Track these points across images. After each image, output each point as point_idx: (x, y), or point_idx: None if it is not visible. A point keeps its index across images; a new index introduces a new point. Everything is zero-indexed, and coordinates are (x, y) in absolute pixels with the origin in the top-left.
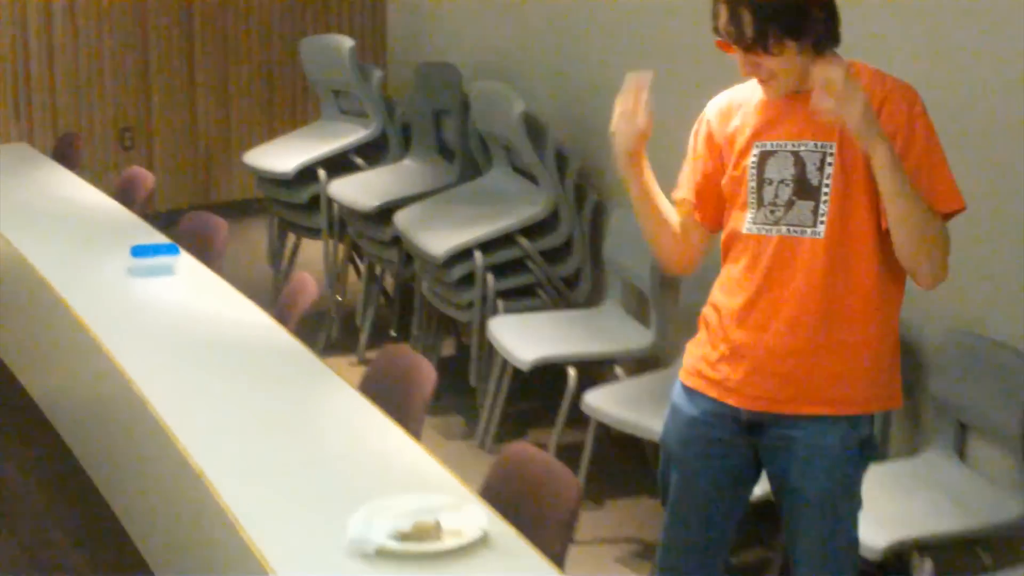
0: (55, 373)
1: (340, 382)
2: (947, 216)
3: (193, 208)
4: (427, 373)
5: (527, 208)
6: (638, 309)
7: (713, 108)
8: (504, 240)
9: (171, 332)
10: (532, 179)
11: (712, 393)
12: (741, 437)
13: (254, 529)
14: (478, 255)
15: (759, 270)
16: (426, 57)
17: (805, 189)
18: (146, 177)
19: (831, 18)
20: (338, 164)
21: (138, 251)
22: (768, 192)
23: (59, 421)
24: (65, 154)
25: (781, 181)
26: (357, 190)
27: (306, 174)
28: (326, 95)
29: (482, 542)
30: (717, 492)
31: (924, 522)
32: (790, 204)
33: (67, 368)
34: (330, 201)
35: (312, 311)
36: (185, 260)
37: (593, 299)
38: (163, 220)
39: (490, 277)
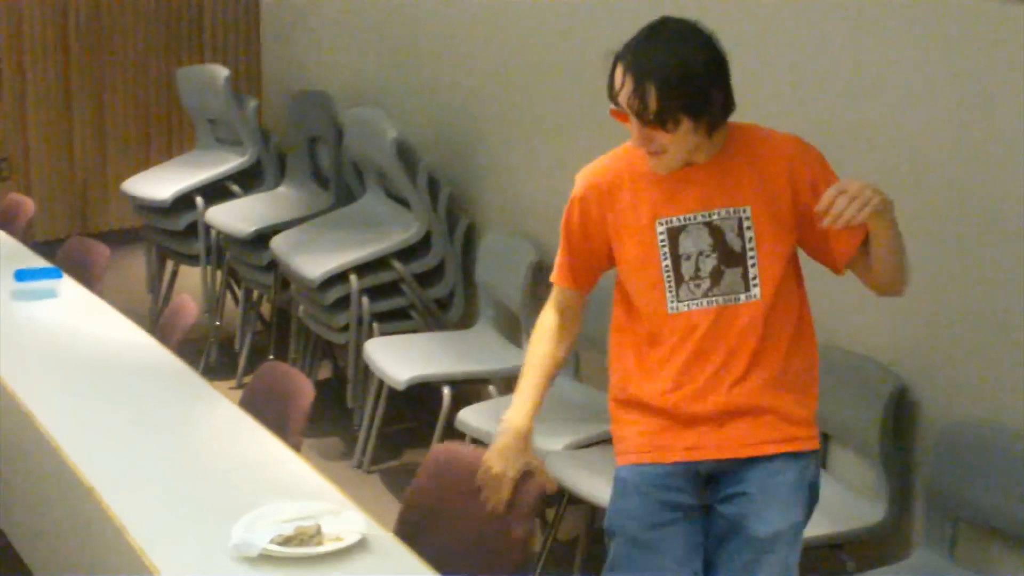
0: None
1: (221, 398)
2: None
3: (71, 237)
4: (304, 388)
5: (400, 232)
6: (510, 329)
7: (589, 187)
8: (378, 263)
9: (56, 352)
10: (405, 204)
11: (666, 457)
12: (698, 497)
13: (142, 537)
14: (353, 278)
15: (690, 344)
16: (300, 86)
17: (730, 257)
18: (25, 204)
19: (727, 99)
20: (215, 191)
21: (21, 275)
22: (687, 267)
23: None
24: None
25: (700, 253)
26: (234, 216)
27: (183, 201)
28: (202, 124)
29: (361, 546)
30: (684, 557)
31: None
32: (718, 273)
33: None
34: (207, 228)
35: (191, 337)
36: (67, 283)
37: (466, 320)
38: (42, 249)
39: (365, 300)
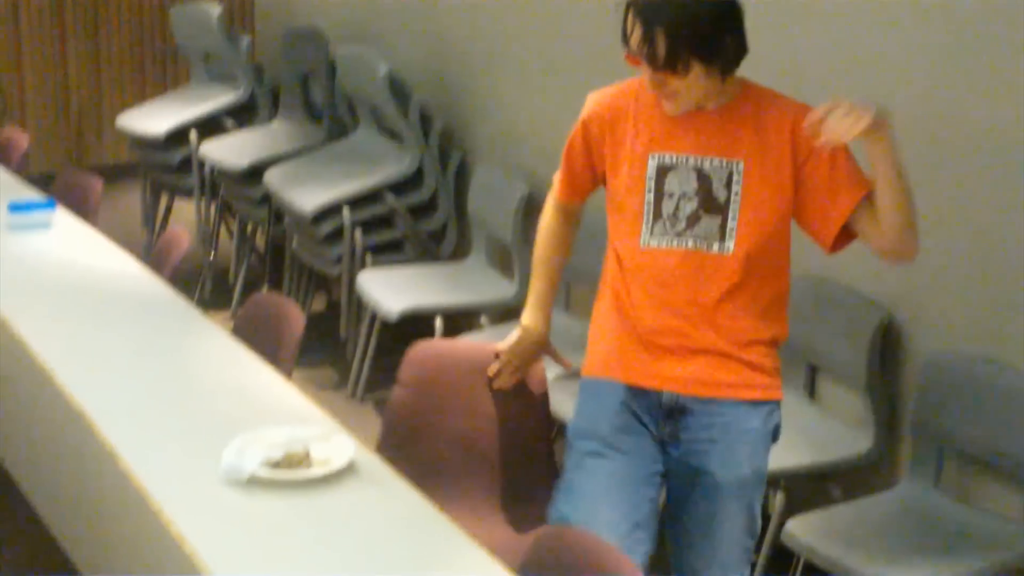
0: None
1: (213, 327)
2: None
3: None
4: (295, 316)
5: (393, 166)
6: (502, 261)
7: (593, 111)
8: (371, 197)
9: (50, 283)
10: (398, 138)
11: (630, 377)
12: (657, 429)
13: (133, 461)
14: (346, 211)
15: (657, 283)
16: (293, 22)
17: (712, 204)
18: (20, 138)
19: (740, 45)
20: (209, 126)
21: (15, 207)
22: (667, 205)
23: None
24: None
25: (683, 195)
26: (228, 151)
27: (178, 136)
28: (196, 60)
29: (349, 470)
30: (647, 470)
31: (776, 457)
32: (695, 218)
33: None
34: (202, 162)
35: (185, 270)
36: (62, 215)
37: (458, 253)
38: (36, 182)
39: (358, 232)
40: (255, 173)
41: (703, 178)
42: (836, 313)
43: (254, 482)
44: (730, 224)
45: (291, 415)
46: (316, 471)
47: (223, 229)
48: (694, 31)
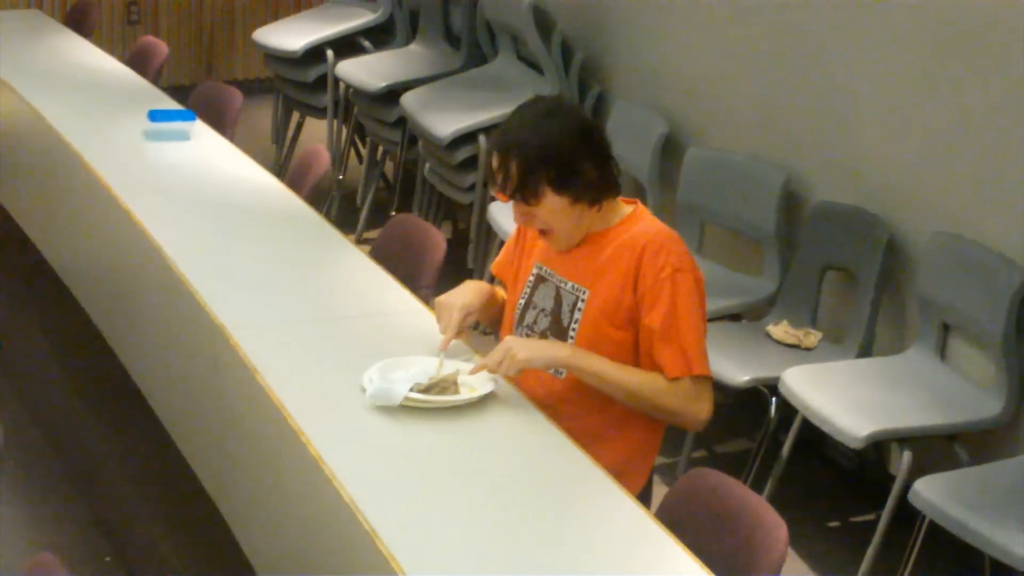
0: (71, 233)
1: (351, 246)
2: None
3: (196, 86)
4: (437, 241)
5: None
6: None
7: None
8: None
9: (188, 194)
10: (537, 68)
11: None
12: None
13: (272, 381)
14: (482, 139)
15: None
16: None
17: (558, 327)
18: (159, 47)
19: (604, 174)
20: (346, 46)
21: (155, 115)
22: (529, 315)
23: (73, 280)
24: (77, 22)
25: (542, 310)
26: (364, 71)
27: (314, 54)
28: None
29: (492, 396)
30: None
31: (905, 415)
32: (544, 336)
33: (83, 228)
34: (336, 81)
35: (312, 189)
36: (200, 126)
37: None
38: (169, 94)
39: None
40: (390, 96)
41: (558, 299)
42: (973, 271)
43: (405, 406)
44: None
45: (426, 341)
46: (465, 396)
47: (352, 151)
48: (544, 155)
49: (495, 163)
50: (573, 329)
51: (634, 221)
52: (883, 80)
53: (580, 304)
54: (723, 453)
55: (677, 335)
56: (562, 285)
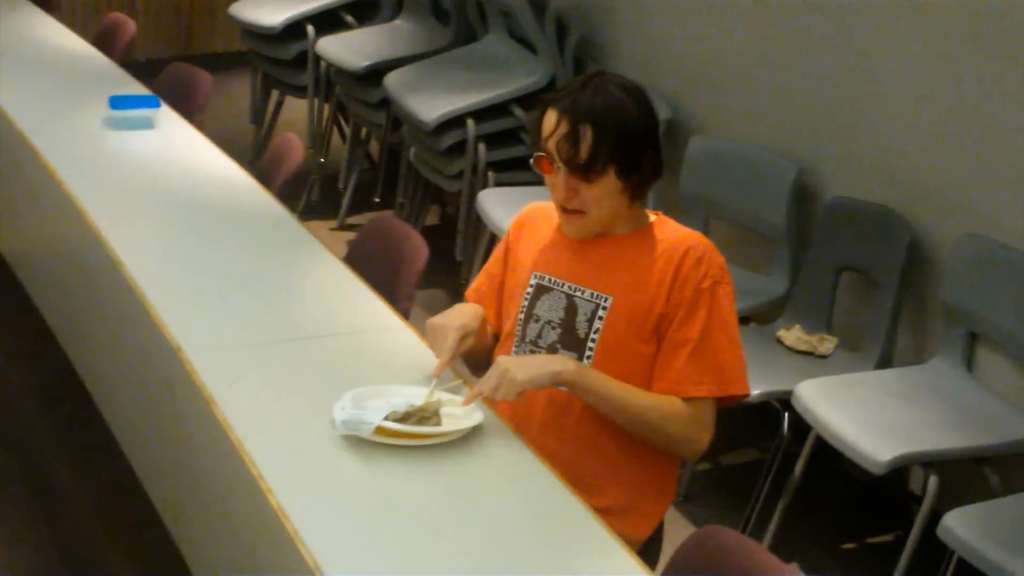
0: (22, 226)
1: (324, 252)
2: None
3: (173, 59)
4: (418, 247)
5: (524, 77)
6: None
7: (523, 215)
8: (498, 109)
9: (148, 190)
10: (530, 47)
11: None
12: None
13: (231, 413)
14: (470, 123)
15: (519, 399)
16: None
17: (572, 338)
18: (127, 24)
19: (655, 166)
20: (327, 21)
21: (117, 102)
22: (532, 329)
23: (24, 274)
24: None
25: (548, 322)
26: (346, 48)
27: (294, 29)
28: None
29: (478, 430)
30: None
31: (930, 437)
32: (552, 350)
33: (36, 222)
34: (317, 59)
35: (285, 183)
36: (166, 114)
37: None
38: (142, 70)
39: (482, 147)
40: (374, 75)
41: (570, 308)
42: (1001, 276)
43: (369, 440)
44: (585, 363)
45: (407, 362)
46: (450, 427)
47: (335, 132)
48: (621, 133)
49: (563, 129)
50: (592, 340)
51: (659, 228)
52: (910, 66)
53: (601, 312)
54: (729, 466)
55: (713, 351)
56: (576, 293)
